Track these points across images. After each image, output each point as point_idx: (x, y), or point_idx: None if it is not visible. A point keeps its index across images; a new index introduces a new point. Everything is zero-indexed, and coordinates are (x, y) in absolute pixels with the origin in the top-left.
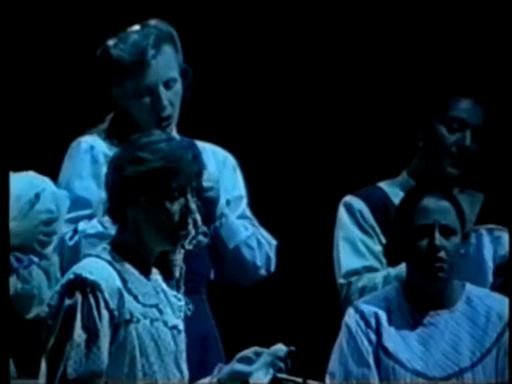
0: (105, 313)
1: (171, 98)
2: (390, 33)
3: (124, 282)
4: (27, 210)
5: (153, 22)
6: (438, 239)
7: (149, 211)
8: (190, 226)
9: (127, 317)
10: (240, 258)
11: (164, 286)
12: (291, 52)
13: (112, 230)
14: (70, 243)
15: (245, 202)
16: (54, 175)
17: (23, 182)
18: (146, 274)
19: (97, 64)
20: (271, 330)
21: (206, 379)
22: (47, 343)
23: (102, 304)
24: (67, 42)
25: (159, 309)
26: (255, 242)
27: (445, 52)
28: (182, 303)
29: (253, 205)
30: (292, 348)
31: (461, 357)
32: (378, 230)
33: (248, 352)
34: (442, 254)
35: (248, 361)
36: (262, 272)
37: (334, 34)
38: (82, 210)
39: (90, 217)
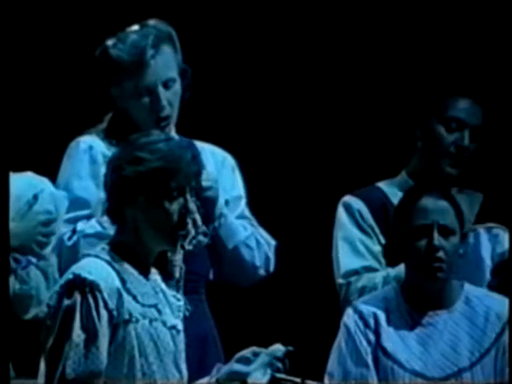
0: (104, 313)
1: (170, 98)
2: (389, 33)
3: (123, 281)
4: (25, 210)
5: (152, 22)
6: (437, 239)
7: (148, 211)
8: (189, 226)
9: (126, 317)
10: (239, 258)
11: (163, 285)
12: (290, 53)
13: (110, 230)
14: (69, 243)
15: (244, 202)
16: (52, 175)
17: (22, 183)
18: (145, 273)
19: (96, 64)
20: (270, 330)
21: (205, 379)
22: (46, 343)
23: (101, 304)
24: (66, 42)
25: (158, 309)
26: (254, 242)
27: (443, 52)
28: (181, 303)
29: (252, 205)
30: (290, 348)
31: (459, 357)
32: (377, 230)
33: (246, 352)
34: (441, 254)
35: (246, 361)
36: (261, 272)
37: (333, 34)
38: (80, 210)
39: (88, 217)
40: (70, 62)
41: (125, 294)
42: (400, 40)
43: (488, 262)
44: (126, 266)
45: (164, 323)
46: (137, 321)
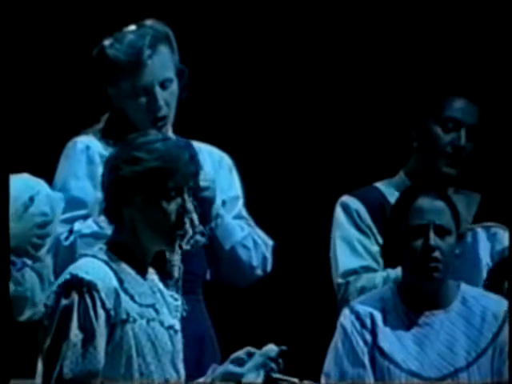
0: (101, 313)
1: (167, 98)
2: (385, 35)
3: (120, 281)
4: (21, 212)
5: (149, 22)
6: (433, 239)
7: (145, 211)
8: (187, 226)
9: (124, 317)
10: (236, 259)
11: (160, 285)
12: (288, 53)
13: (108, 230)
14: (66, 243)
15: (241, 202)
16: (49, 175)
17: (18, 185)
18: (143, 273)
19: (93, 64)
20: (267, 330)
21: (201, 380)
22: (44, 343)
23: (99, 304)
24: (63, 42)
25: (156, 309)
26: (251, 242)
27: (439, 52)
28: (179, 303)
29: (249, 205)
30: (283, 348)
31: (456, 357)
32: (374, 230)
33: (240, 353)
34: (437, 254)
35: (241, 362)
36: (258, 272)
37: (330, 34)
38: (77, 210)
39: (85, 217)
40: (66, 61)
41: (122, 294)
42: (396, 41)
43: (486, 262)
44: (124, 265)
45: (161, 323)
46: (134, 321)
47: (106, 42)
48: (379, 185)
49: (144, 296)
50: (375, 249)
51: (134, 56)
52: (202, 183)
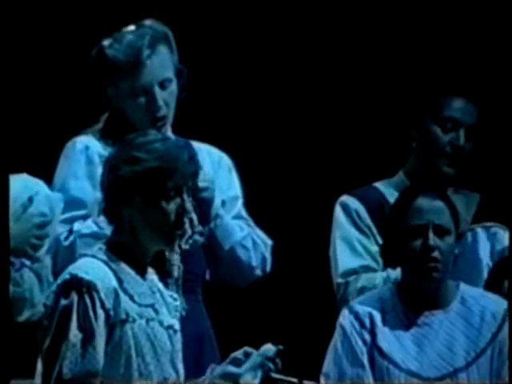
0: (101, 313)
1: (166, 98)
2: (384, 35)
3: (120, 281)
4: (20, 213)
5: (148, 22)
6: (432, 239)
7: (144, 211)
8: (186, 226)
9: (123, 317)
10: (235, 259)
11: (160, 285)
12: (287, 53)
13: (107, 230)
14: (65, 243)
15: (240, 202)
16: (49, 175)
17: (17, 185)
18: (142, 273)
19: (92, 64)
20: (267, 330)
21: (199, 380)
22: (43, 343)
23: (98, 304)
24: (62, 42)
25: (155, 309)
26: (250, 242)
27: (437, 52)
28: (178, 303)
29: (248, 205)
30: (280, 347)
31: (455, 357)
32: (374, 230)
33: (238, 353)
34: (436, 253)
35: (238, 362)
36: (258, 272)
37: (329, 34)
38: (77, 210)
39: (85, 217)
40: (66, 62)
41: (122, 294)
42: (395, 42)
43: (486, 262)
44: (123, 265)
45: (161, 323)
46: (134, 321)
47: (105, 42)
48: (378, 185)
49: (143, 296)
50: (375, 249)
51: (133, 56)
52: (201, 184)
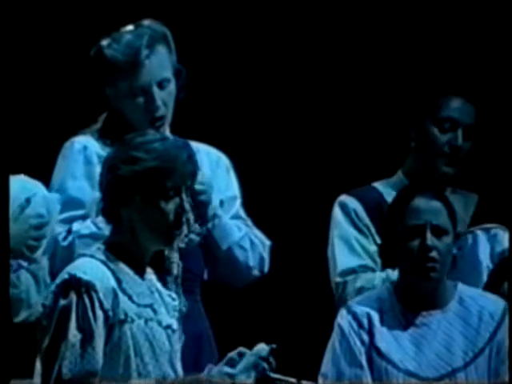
0: (99, 313)
1: (165, 98)
2: (382, 36)
3: (118, 281)
4: (17, 214)
5: (146, 22)
6: (430, 239)
7: (143, 211)
8: (185, 226)
9: (122, 317)
10: (233, 259)
11: (158, 285)
12: (286, 54)
13: (106, 231)
14: (64, 243)
15: (238, 202)
16: (47, 175)
17: (15, 186)
18: (141, 273)
19: (90, 64)
20: (265, 330)
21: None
22: (42, 343)
23: (97, 304)
24: (61, 42)
25: (154, 309)
26: (248, 242)
27: (435, 52)
28: (177, 303)
29: (247, 205)
30: (273, 346)
31: (453, 357)
32: (372, 229)
33: (233, 354)
34: (434, 253)
35: (233, 362)
36: (255, 273)
37: (327, 34)
38: (75, 210)
39: (83, 217)
40: (64, 62)
41: (120, 294)
42: (394, 43)
43: (486, 264)
44: (122, 265)
45: (159, 323)
46: (132, 321)
47: (104, 42)
48: (377, 185)
49: (142, 296)
50: (373, 248)
51: (132, 56)
52: (198, 187)
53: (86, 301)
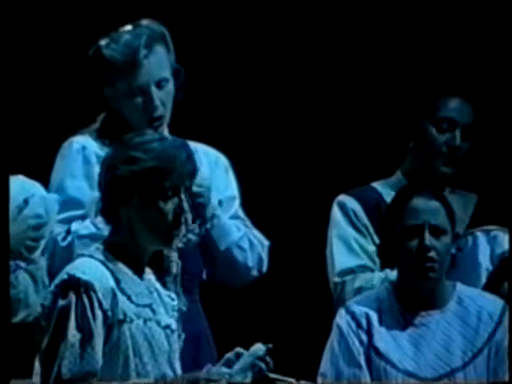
0: (99, 313)
1: (163, 98)
2: (380, 36)
3: (117, 281)
4: (15, 214)
5: (145, 22)
6: (428, 239)
7: (142, 211)
8: (183, 225)
9: (120, 317)
10: (231, 260)
11: (157, 285)
12: (284, 54)
13: (105, 231)
14: (63, 244)
15: (237, 202)
16: (45, 175)
17: (13, 187)
18: (140, 273)
19: (89, 64)
20: (263, 330)
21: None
22: (41, 343)
23: (96, 304)
24: (59, 42)
25: (152, 308)
26: (247, 243)
27: (433, 52)
28: (176, 302)
29: (245, 205)
30: (269, 346)
31: (452, 357)
32: (371, 229)
33: (230, 354)
34: (433, 254)
35: (230, 363)
36: (254, 273)
37: (326, 34)
38: (74, 210)
39: (82, 217)
40: (63, 61)
41: (119, 294)
42: (392, 44)
43: (486, 266)
44: (121, 265)
45: (158, 323)
46: (131, 321)
47: (102, 42)
48: (376, 185)
49: (141, 296)
50: (372, 248)
51: (130, 56)
52: (196, 189)
53: (85, 301)
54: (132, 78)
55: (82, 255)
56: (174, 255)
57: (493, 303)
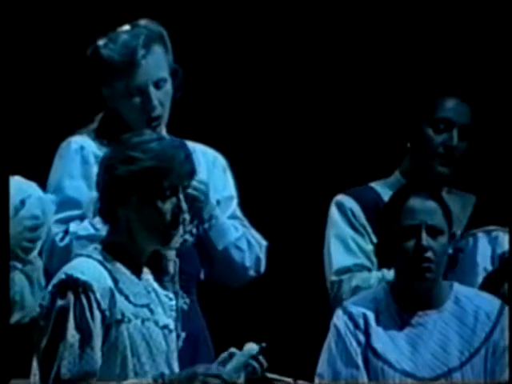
0: (97, 313)
1: (161, 98)
2: (378, 37)
3: (115, 281)
4: (12, 215)
5: (143, 22)
6: (425, 239)
7: (141, 211)
8: (181, 225)
9: (118, 317)
10: (229, 260)
11: (155, 285)
12: (283, 54)
13: (103, 232)
14: (61, 244)
15: (235, 202)
16: (43, 175)
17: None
18: (138, 273)
19: (87, 64)
20: (261, 330)
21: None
22: (39, 344)
23: (95, 305)
24: (57, 42)
25: (150, 308)
26: (245, 243)
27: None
28: (173, 302)
29: (243, 205)
30: (263, 344)
31: (449, 357)
32: (369, 229)
33: (224, 354)
34: (429, 254)
35: (225, 363)
36: (252, 273)
37: (325, 35)
38: (72, 210)
39: (80, 217)
40: (61, 61)
41: (117, 294)
42: (389, 44)
43: (486, 266)
44: (119, 265)
45: (156, 323)
46: (129, 321)
47: (100, 42)
48: (374, 185)
49: (139, 296)
50: (369, 248)
51: (128, 56)
52: (192, 192)
53: (84, 301)
54: (130, 78)
55: (80, 255)
56: (172, 255)
57: (490, 303)
